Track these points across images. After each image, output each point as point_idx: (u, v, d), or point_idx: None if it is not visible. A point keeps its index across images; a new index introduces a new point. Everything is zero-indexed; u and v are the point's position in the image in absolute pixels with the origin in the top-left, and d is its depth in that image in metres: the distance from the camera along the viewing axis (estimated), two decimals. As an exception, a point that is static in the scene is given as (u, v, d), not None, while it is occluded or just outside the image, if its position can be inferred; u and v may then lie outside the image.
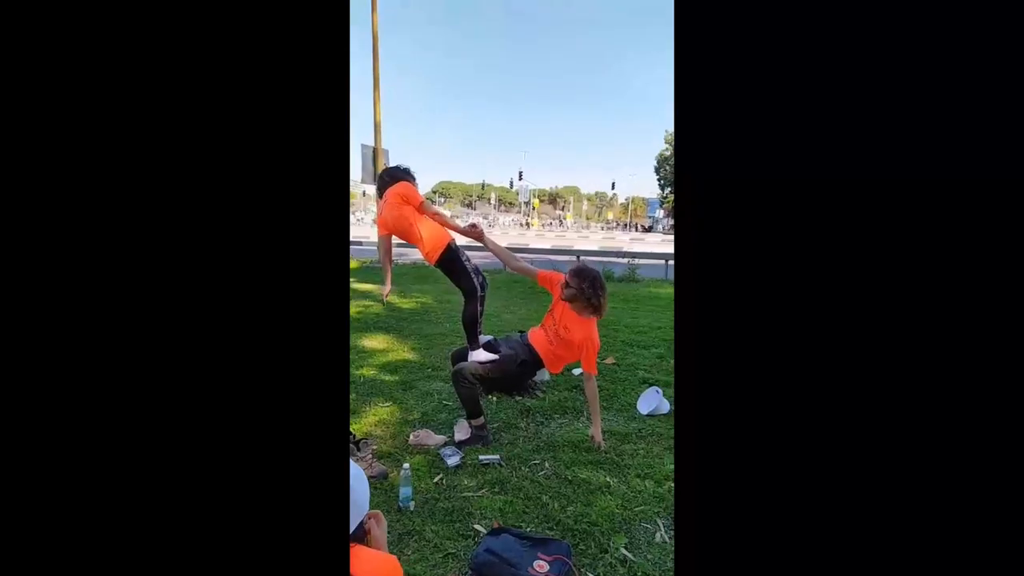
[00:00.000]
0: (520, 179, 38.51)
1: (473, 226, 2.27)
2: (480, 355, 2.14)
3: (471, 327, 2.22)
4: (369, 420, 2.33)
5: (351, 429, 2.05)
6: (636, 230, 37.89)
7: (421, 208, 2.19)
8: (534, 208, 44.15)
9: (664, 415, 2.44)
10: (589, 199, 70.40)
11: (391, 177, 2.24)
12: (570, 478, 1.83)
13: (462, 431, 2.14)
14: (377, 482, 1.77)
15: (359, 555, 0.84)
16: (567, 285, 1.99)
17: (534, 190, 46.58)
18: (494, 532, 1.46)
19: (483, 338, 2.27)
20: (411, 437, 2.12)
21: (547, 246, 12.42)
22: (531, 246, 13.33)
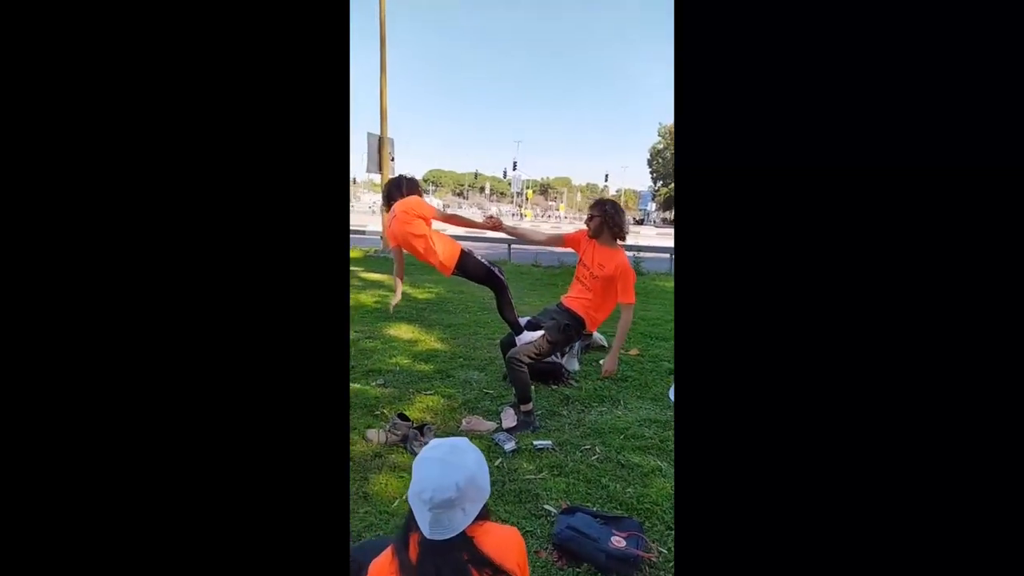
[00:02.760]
0: (514, 169, 38.39)
1: (490, 218, 2.37)
2: (527, 336, 2.23)
3: (510, 316, 2.30)
4: (418, 407, 2.41)
5: (407, 415, 2.13)
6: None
7: (434, 218, 2.20)
8: (527, 199, 44.15)
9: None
10: (581, 190, 70.42)
11: (398, 189, 2.23)
12: (623, 462, 1.94)
13: (509, 418, 2.24)
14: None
15: (489, 530, 0.92)
16: (591, 218, 2.17)
17: (527, 180, 46.49)
18: (567, 511, 1.56)
19: (522, 320, 2.36)
20: (463, 423, 2.21)
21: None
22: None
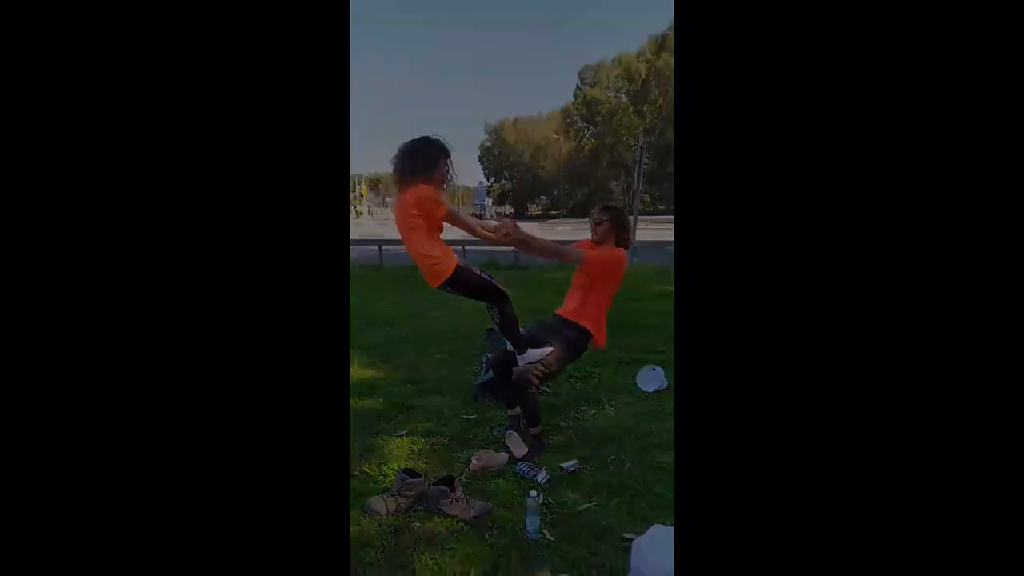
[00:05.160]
0: (344, 164, 35.45)
1: (505, 220, 2.05)
2: (533, 354, 1.99)
3: (514, 331, 2.04)
4: (402, 455, 1.97)
5: (416, 469, 1.71)
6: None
7: (443, 220, 1.81)
8: (361, 194, 41.31)
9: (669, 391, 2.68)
10: (415, 186, 69.11)
11: (414, 167, 1.76)
12: (655, 465, 1.89)
13: (518, 445, 1.99)
14: (485, 521, 1.54)
15: None
16: (599, 223, 2.05)
17: (357, 176, 43.50)
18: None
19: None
20: (472, 462, 1.88)
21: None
22: (386, 236, 12.10)
